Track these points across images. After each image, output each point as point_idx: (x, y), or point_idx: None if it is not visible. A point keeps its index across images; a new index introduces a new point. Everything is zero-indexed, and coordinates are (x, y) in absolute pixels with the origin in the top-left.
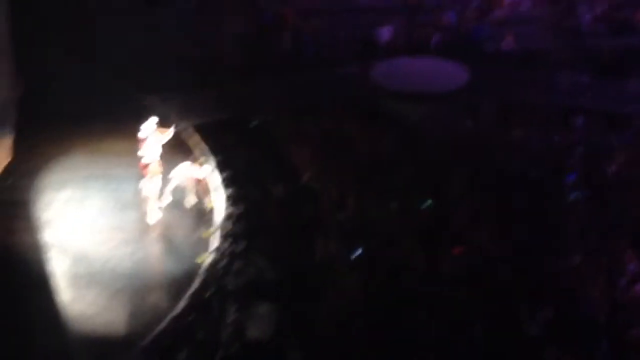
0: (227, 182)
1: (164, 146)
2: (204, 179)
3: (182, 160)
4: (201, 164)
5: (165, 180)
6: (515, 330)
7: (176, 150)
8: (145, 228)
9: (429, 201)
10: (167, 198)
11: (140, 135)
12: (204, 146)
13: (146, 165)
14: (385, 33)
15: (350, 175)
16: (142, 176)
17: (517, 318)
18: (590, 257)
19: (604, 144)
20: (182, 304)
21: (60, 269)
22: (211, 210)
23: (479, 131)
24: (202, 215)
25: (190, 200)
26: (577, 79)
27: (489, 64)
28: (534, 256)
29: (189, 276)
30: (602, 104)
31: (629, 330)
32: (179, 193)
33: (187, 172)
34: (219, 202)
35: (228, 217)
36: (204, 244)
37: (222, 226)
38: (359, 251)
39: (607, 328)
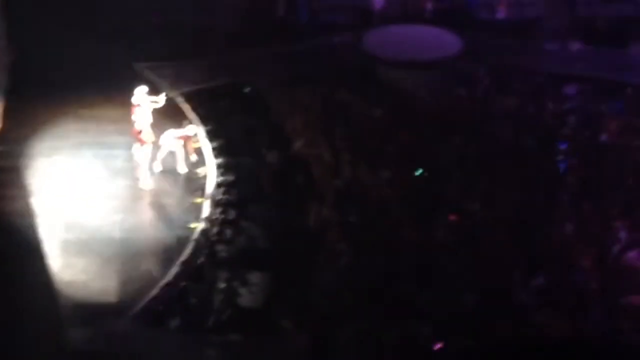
0: (220, 150)
1: (155, 113)
2: (190, 140)
3: (174, 129)
4: (186, 126)
5: (157, 148)
6: (507, 298)
7: (168, 118)
8: (137, 195)
9: (421, 170)
10: (159, 166)
11: (133, 101)
12: (196, 114)
13: (139, 132)
14: (379, 1)
15: (344, 142)
16: (133, 143)
17: (509, 286)
18: (582, 225)
19: (597, 112)
20: (174, 271)
21: (52, 236)
22: (204, 178)
23: (472, 99)
24: (194, 182)
25: (182, 167)
26: (570, 47)
27: (483, 32)
28: (526, 224)
29: (181, 243)
30: (595, 72)
31: (620, 297)
32: (171, 161)
33: (175, 136)
34: (211, 170)
35: (220, 185)
36: (196, 211)
37: (214, 194)
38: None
39: (599, 295)
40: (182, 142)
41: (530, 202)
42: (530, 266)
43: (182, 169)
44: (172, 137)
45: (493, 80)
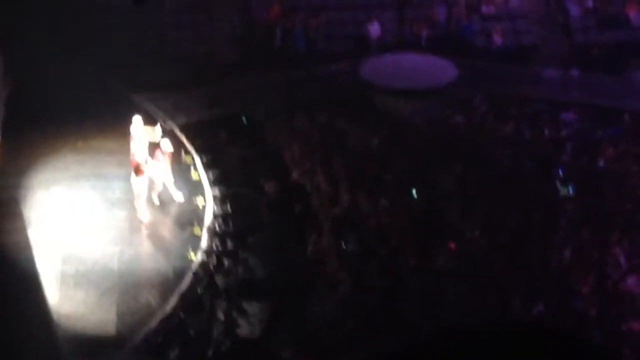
0: (217, 181)
1: (151, 145)
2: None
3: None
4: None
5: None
6: (507, 324)
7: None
8: (135, 227)
9: (414, 191)
10: (157, 198)
11: (131, 132)
12: (193, 145)
13: (138, 164)
14: (375, 29)
15: (342, 171)
16: (131, 174)
17: (510, 312)
18: (581, 251)
19: (594, 138)
20: (172, 302)
21: (50, 268)
22: (202, 208)
23: (469, 126)
24: (192, 213)
25: (177, 194)
26: (566, 73)
27: (479, 59)
28: (525, 251)
29: (179, 275)
30: (592, 98)
31: (620, 323)
32: (168, 193)
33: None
34: (208, 201)
35: (218, 216)
36: (194, 242)
37: (212, 225)
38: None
39: (599, 321)
40: (167, 161)
41: (529, 228)
42: (529, 292)
43: (178, 196)
44: (158, 163)
45: (490, 107)
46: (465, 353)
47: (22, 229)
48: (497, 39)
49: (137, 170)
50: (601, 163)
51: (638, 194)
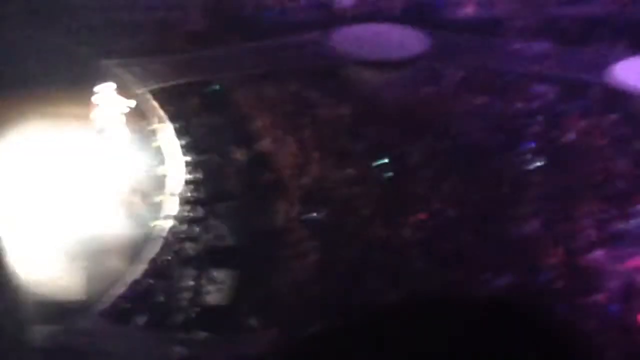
0: (187, 148)
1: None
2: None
3: (140, 126)
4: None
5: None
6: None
7: (134, 116)
8: (102, 192)
9: (385, 160)
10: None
11: (94, 100)
12: (163, 111)
13: (102, 130)
14: None
15: (311, 140)
16: (98, 140)
17: (476, 285)
18: (549, 224)
19: (564, 111)
20: (140, 268)
21: (14, 234)
22: (172, 175)
23: (439, 98)
24: (161, 180)
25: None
26: (537, 46)
27: (450, 31)
28: (493, 223)
29: (147, 241)
30: (562, 71)
31: (586, 297)
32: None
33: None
34: (178, 168)
35: (187, 183)
36: (163, 208)
37: (182, 192)
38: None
39: (564, 294)
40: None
41: (497, 200)
42: (496, 265)
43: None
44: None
45: (461, 79)
46: (430, 324)
47: None
48: (470, 11)
49: (103, 137)
50: (571, 136)
51: (606, 167)
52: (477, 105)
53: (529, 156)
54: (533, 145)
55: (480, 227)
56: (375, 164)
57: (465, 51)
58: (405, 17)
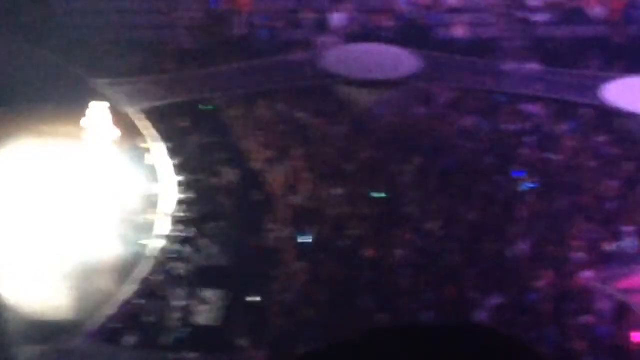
0: (178, 168)
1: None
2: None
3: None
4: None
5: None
6: (464, 317)
7: (125, 135)
8: (93, 212)
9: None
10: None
11: (85, 119)
12: (155, 131)
13: (93, 149)
14: (337, 19)
15: (302, 160)
16: (89, 159)
17: (467, 305)
18: (539, 245)
19: (554, 132)
20: (131, 288)
21: (4, 253)
22: (162, 195)
23: (430, 118)
24: (152, 199)
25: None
26: (527, 67)
27: (441, 52)
28: (484, 244)
29: (137, 261)
30: (552, 92)
31: (575, 318)
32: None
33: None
34: (169, 187)
35: (178, 203)
36: (153, 228)
37: (173, 211)
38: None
39: (554, 315)
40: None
41: (488, 221)
42: (486, 286)
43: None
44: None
45: (452, 99)
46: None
47: None
48: (461, 32)
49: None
50: (561, 157)
51: (597, 188)
52: (468, 126)
53: (519, 177)
54: (523, 167)
55: (470, 247)
56: (367, 185)
57: (456, 72)
58: (396, 38)
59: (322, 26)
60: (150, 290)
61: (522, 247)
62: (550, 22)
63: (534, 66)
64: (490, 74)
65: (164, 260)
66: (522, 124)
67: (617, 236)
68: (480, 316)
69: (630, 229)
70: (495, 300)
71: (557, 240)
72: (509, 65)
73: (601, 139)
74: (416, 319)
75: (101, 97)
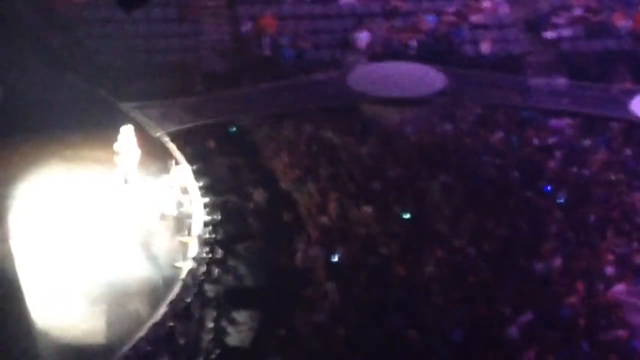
0: (206, 189)
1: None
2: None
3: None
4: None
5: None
6: (495, 334)
7: (152, 158)
8: (123, 235)
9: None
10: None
11: (113, 142)
12: (182, 153)
13: (124, 174)
14: (363, 38)
15: (330, 179)
16: (120, 183)
17: (498, 322)
18: (569, 260)
19: (582, 147)
20: (161, 311)
21: (37, 277)
22: (192, 217)
23: (458, 135)
24: (181, 221)
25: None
26: (554, 82)
27: (468, 68)
28: (513, 260)
29: (168, 283)
30: (579, 107)
31: (607, 332)
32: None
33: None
34: (198, 209)
35: (207, 224)
36: (183, 250)
37: (201, 233)
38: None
39: (586, 331)
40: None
41: (517, 237)
42: (518, 302)
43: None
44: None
45: (478, 115)
46: None
47: (8, 240)
48: (486, 48)
49: (124, 180)
50: (589, 171)
51: (625, 202)
52: (495, 142)
53: (548, 192)
54: (552, 182)
55: (500, 264)
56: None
57: (483, 88)
58: (422, 55)
59: (347, 45)
60: (180, 313)
61: (553, 262)
62: (576, 36)
63: (561, 81)
64: (517, 89)
65: (193, 281)
66: (550, 139)
67: None
68: (512, 332)
69: None
70: (526, 316)
71: (587, 254)
72: (536, 81)
73: (630, 152)
74: (447, 336)
75: (130, 121)
